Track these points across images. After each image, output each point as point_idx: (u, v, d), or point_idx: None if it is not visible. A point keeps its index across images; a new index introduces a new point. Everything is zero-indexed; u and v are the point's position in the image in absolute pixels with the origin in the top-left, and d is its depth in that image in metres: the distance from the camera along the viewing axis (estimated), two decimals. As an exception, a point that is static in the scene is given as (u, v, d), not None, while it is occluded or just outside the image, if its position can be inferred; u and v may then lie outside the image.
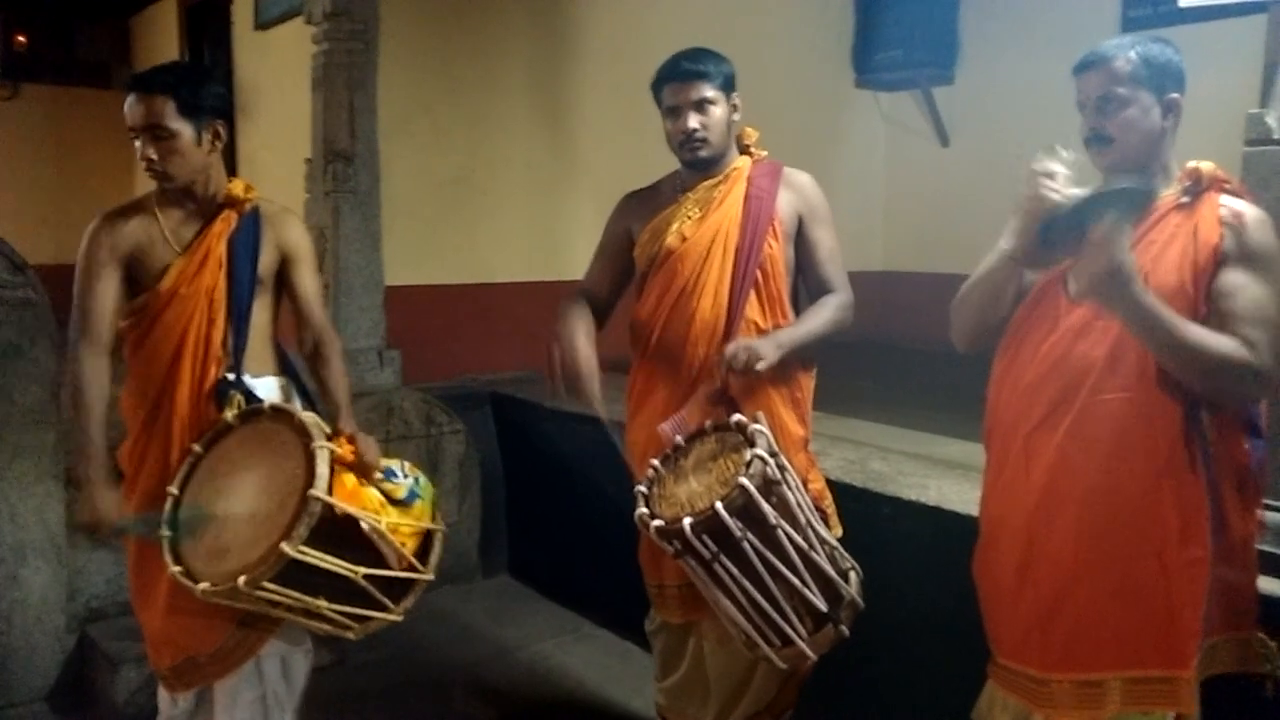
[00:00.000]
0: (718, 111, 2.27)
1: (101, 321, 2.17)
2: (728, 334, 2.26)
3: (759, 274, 2.28)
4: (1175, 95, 1.74)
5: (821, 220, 2.36)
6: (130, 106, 2.11)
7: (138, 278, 2.18)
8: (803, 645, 2.00)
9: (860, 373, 4.67)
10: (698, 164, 2.32)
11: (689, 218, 2.32)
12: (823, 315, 2.32)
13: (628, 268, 2.47)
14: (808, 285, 2.40)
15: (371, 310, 4.24)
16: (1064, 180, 1.65)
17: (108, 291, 2.16)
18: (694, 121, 2.25)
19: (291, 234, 2.29)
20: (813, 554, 1.99)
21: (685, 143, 2.28)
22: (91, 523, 2.16)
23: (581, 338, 2.29)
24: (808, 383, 2.37)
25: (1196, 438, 1.69)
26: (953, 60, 5.67)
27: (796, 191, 2.35)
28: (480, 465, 4.22)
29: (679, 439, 2.18)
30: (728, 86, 2.29)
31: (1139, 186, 1.63)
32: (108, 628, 3.23)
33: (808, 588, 1.98)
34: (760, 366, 2.14)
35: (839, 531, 2.31)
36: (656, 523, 1.96)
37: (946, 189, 5.62)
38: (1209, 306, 1.66)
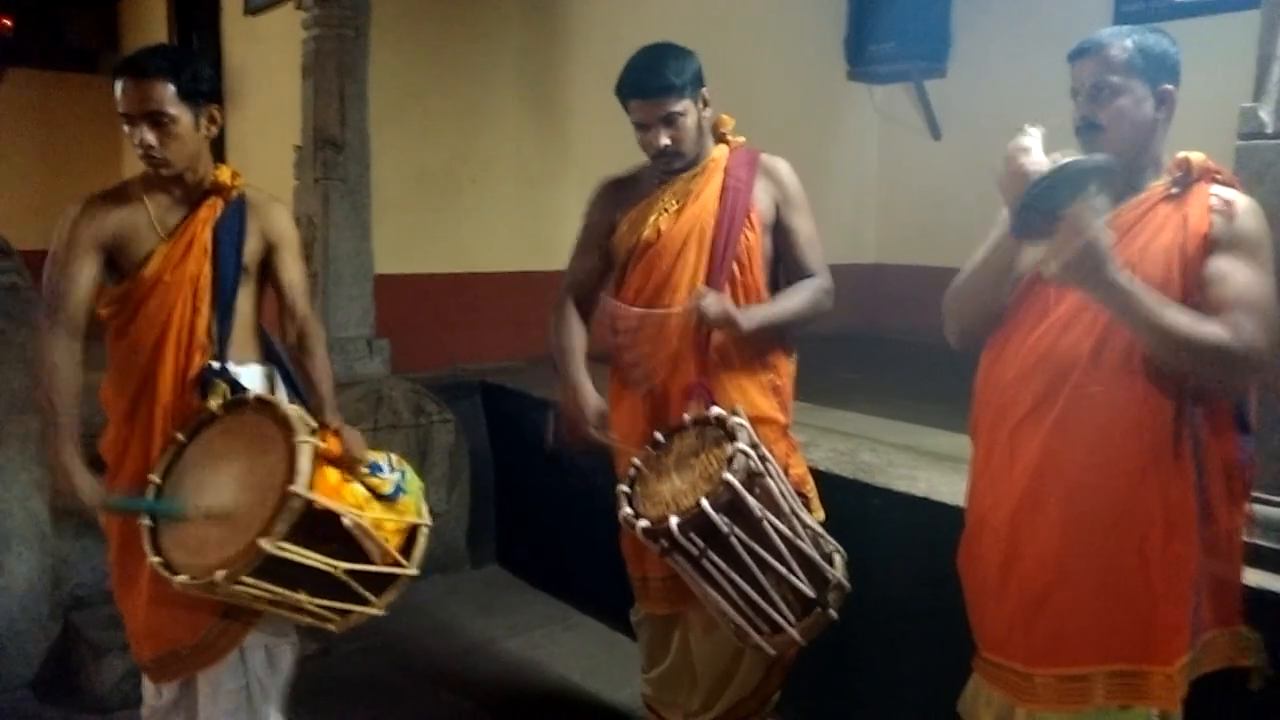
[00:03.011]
0: (688, 121, 2.24)
1: (75, 304, 2.11)
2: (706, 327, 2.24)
3: (735, 267, 2.27)
4: (1169, 87, 1.72)
5: (798, 207, 2.35)
6: (125, 92, 2.04)
7: (120, 264, 2.15)
8: (792, 632, 2.01)
9: (852, 364, 4.67)
10: (673, 171, 2.31)
11: (666, 210, 2.30)
12: (799, 296, 2.31)
13: (612, 256, 2.45)
14: (787, 272, 2.38)
15: (361, 299, 4.23)
16: (1037, 150, 1.64)
17: (82, 275, 2.11)
18: (664, 138, 2.22)
19: (277, 222, 2.25)
20: (798, 541, 2.00)
21: (658, 157, 2.27)
22: (70, 502, 2.11)
23: (585, 385, 2.32)
24: (787, 370, 2.36)
25: (1187, 433, 1.67)
26: (945, 53, 5.67)
27: (773, 180, 2.33)
28: (469, 455, 4.21)
29: (658, 435, 2.18)
30: (695, 87, 2.24)
31: (1105, 163, 1.61)
32: (92, 615, 3.21)
33: (795, 575, 1.98)
34: (726, 330, 2.18)
35: (821, 515, 2.31)
36: (642, 523, 1.95)
37: (938, 182, 5.62)
38: (1199, 295, 1.64)
